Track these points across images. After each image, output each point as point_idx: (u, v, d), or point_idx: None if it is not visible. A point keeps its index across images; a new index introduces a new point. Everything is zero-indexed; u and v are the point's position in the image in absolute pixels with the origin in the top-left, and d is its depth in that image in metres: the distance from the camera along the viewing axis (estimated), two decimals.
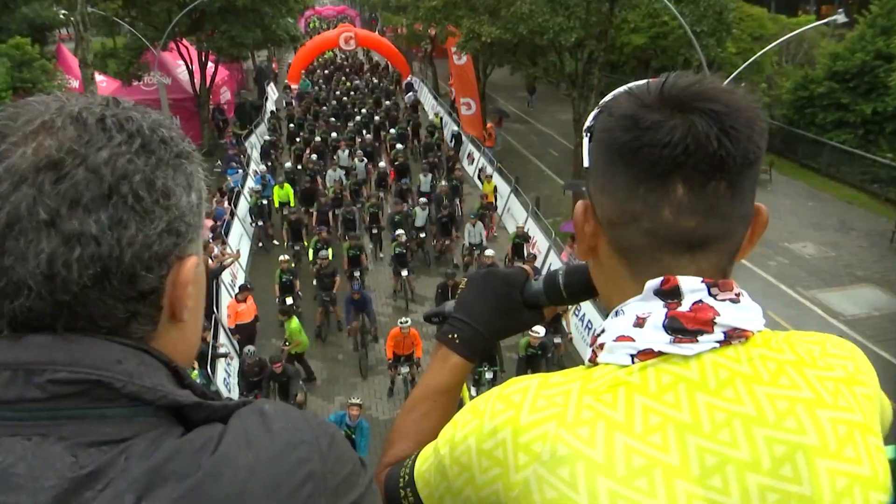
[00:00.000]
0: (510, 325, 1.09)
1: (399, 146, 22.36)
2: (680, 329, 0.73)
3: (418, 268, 15.94)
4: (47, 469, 0.56)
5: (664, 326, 0.74)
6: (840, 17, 12.18)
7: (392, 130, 24.46)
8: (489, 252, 13.73)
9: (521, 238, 15.21)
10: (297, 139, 23.92)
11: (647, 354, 0.74)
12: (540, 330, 10.11)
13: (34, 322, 0.62)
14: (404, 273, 14.59)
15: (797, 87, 24.51)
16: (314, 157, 21.27)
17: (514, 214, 18.14)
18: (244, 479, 0.59)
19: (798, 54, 26.97)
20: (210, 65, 26.43)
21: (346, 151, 21.75)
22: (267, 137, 24.58)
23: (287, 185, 18.59)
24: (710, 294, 0.74)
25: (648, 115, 0.73)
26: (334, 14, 61.82)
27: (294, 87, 33.78)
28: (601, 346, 0.79)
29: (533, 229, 16.63)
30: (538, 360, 11.17)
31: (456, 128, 26.00)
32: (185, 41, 25.52)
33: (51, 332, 0.62)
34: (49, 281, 0.60)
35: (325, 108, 29.29)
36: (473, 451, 0.79)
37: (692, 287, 0.74)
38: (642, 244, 0.77)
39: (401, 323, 11.19)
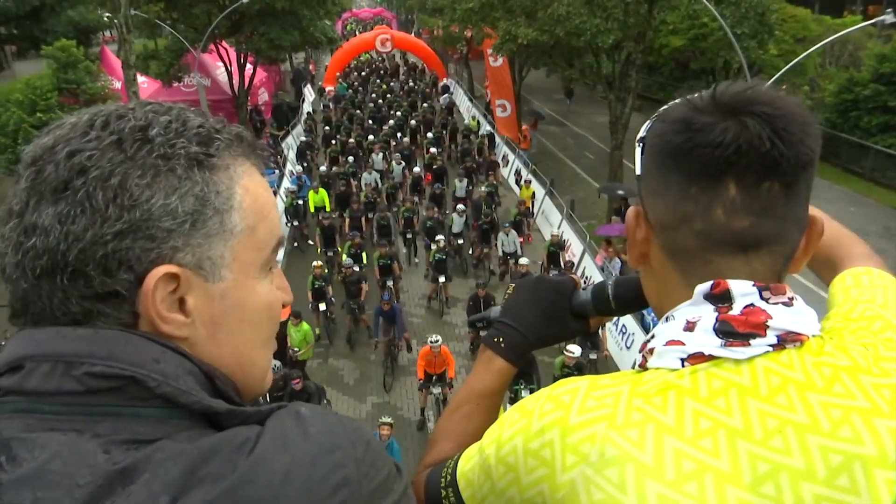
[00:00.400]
0: (557, 333, 1.09)
1: (434, 150, 22.10)
2: (731, 333, 0.72)
3: (454, 274, 15.58)
4: (82, 466, 0.57)
5: (715, 330, 0.73)
6: (888, 18, 11.83)
7: (429, 134, 24.06)
8: (524, 260, 13.39)
9: (556, 246, 14.75)
10: (333, 142, 23.83)
11: (697, 358, 0.73)
12: (575, 350, 10.14)
13: (18, 310, 0.65)
14: (442, 279, 14.29)
15: (841, 90, 23.95)
16: (350, 158, 21.24)
17: (549, 217, 18.01)
18: (280, 482, 0.59)
19: (843, 56, 26.35)
20: (248, 66, 26.80)
21: (381, 155, 21.56)
22: (303, 138, 24.88)
23: (322, 190, 18.39)
24: (761, 298, 0.73)
25: (701, 118, 0.74)
26: (371, 16, 62.19)
27: (329, 89, 33.92)
28: (651, 351, 0.78)
29: (567, 232, 16.50)
30: (558, 257, 12.28)
31: (490, 129, 25.96)
32: (224, 43, 25.91)
33: (91, 326, 0.64)
34: (16, 267, 0.63)
35: (359, 111, 28.99)
36: (520, 450, 0.78)
37: (743, 291, 0.73)
38: (694, 246, 0.76)
39: (431, 342, 10.72)
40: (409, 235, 16.79)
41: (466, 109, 31.25)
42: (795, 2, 26.49)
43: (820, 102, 25.30)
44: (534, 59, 24.74)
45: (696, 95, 0.78)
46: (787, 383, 0.70)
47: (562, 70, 24.60)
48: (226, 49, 25.97)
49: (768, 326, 0.72)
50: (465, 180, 19.10)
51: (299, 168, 21.19)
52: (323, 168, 20.65)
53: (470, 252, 16.58)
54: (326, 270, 14.41)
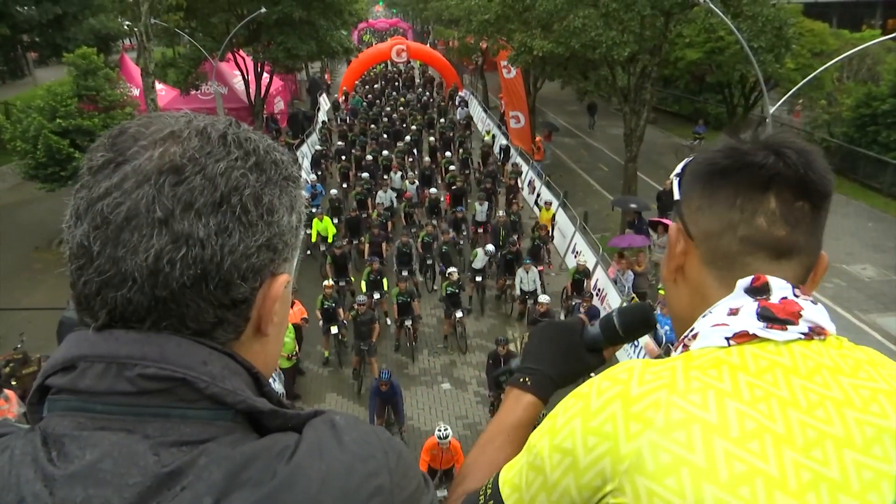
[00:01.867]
0: (575, 368, 1.17)
1: (453, 167, 21.20)
2: (771, 318, 0.81)
3: (475, 310, 14.76)
4: (132, 466, 0.59)
5: (757, 314, 0.82)
6: None
7: (448, 153, 23.09)
8: (543, 299, 12.19)
9: (582, 274, 13.91)
10: (344, 157, 22.99)
11: (741, 337, 0.81)
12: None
13: (130, 315, 0.65)
14: (458, 314, 13.24)
15: (859, 105, 23.77)
16: (365, 174, 20.21)
17: (563, 230, 17.96)
18: (317, 489, 0.62)
19: (861, 70, 26.16)
20: (265, 75, 27.03)
21: (399, 174, 20.64)
22: (318, 147, 24.96)
23: (326, 218, 16.85)
24: (794, 294, 0.84)
25: (747, 147, 0.89)
26: (387, 27, 62.58)
27: (342, 99, 33.99)
28: (695, 336, 0.86)
29: (580, 244, 16.44)
30: (582, 285, 11.91)
31: (505, 141, 25.95)
32: (241, 52, 26.17)
33: (141, 329, 0.66)
34: (153, 276, 0.63)
35: (374, 125, 28.00)
36: (578, 431, 0.80)
37: (780, 285, 0.84)
38: (736, 251, 0.88)
39: (439, 436, 9.12)
40: (428, 261, 15.75)
41: (481, 120, 30.97)
42: (813, 16, 26.38)
43: (837, 117, 25.11)
44: (549, 71, 24.75)
45: (737, 136, 0.93)
46: (820, 367, 0.79)
47: (577, 82, 24.60)
48: (243, 58, 26.22)
49: (801, 316, 0.82)
50: (486, 203, 18.10)
51: (313, 177, 21.16)
52: (334, 192, 19.11)
53: (495, 282, 15.47)
54: (338, 293, 13.71)
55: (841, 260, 17.63)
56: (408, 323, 12.95)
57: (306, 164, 23.86)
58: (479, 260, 14.84)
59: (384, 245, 15.84)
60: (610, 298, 13.87)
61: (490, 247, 15.04)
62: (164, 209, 0.63)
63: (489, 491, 0.93)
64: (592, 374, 0.92)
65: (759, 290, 0.84)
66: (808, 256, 0.88)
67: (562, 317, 13.10)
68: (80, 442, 0.61)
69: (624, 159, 20.66)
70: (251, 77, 26.47)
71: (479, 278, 14.82)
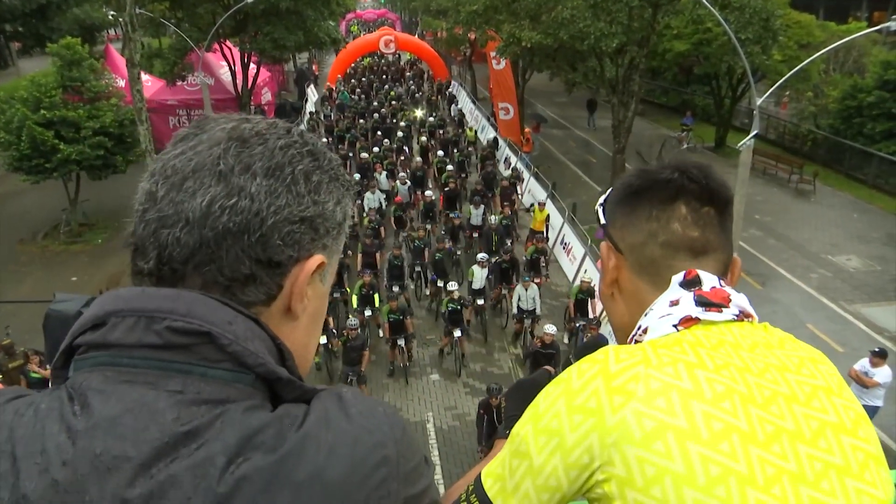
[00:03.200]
0: None
1: (450, 168, 19.97)
2: (708, 303, 0.93)
3: (474, 333, 13.70)
4: (151, 423, 0.63)
5: (695, 301, 0.93)
6: (893, 24, 11.81)
7: (440, 153, 21.69)
8: (550, 329, 11.05)
9: (586, 294, 12.72)
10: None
11: (686, 322, 0.92)
12: (550, 328, 10.89)
13: (176, 257, 0.71)
14: (457, 333, 12.38)
15: (845, 97, 23.93)
16: (357, 176, 19.01)
17: (551, 221, 18.02)
18: (325, 458, 0.65)
19: (847, 62, 26.32)
20: (252, 66, 26.83)
21: (384, 173, 19.64)
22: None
23: None
24: (720, 283, 0.97)
25: (654, 169, 1.03)
26: (375, 17, 62.28)
27: (331, 87, 33.46)
28: (644, 332, 0.96)
29: (569, 235, 16.50)
30: (586, 305, 11.87)
31: (493, 133, 25.92)
32: (228, 42, 25.95)
33: (180, 274, 0.72)
34: (203, 217, 0.70)
35: (363, 120, 26.87)
36: (563, 411, 0.85)
37: (708, 277, 0.97)
38: (660, 255, 1.00)
39: None
40: (417, 268, 14.89)
41: (469, 112, 30.56)
42: (800, 7, 26.46)
43: (824, 109, 25.28)
44: (537, 62, 24.73)
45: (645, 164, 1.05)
46: (757, 343, 0.92)
47: (565, 73, 24.59)
48: (230, 48, 26.01)
49: (731, 300, 0.94)
50: (482, 207, 17.12)
51: None
52: None
53: (491, 292, 14.48)
54: (330, 317, 12.98)
55: (826, 251, 17.80)
56: (401, 343, 12.23)
57: None
58: (478, 279, 13.65)
59: (377, 255, 14.81)
60: (575, 251, 14.04)
61: (481, 255, 14.00)
62: (226, 165, 0.72)
63: (470, 488, 0.95)
64: None
65: (692, 283, 0.96)
66: (722, 253, 1.01)
67: (565, 340, 12.82)
68: (103, 396, 0.65)
69: (612, 151, 20.73)
70: (238, 68, 26.26)
71: (480, 301, 13.65)
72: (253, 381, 0.69)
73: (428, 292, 14.89)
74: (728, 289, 0.96)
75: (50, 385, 0.75)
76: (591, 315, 12.60)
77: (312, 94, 34.61)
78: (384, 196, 18.10)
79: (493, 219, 16.23)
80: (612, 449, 0.80)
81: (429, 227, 16.46)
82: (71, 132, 18.78)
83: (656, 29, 19.52)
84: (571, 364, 1.18)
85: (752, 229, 18.66)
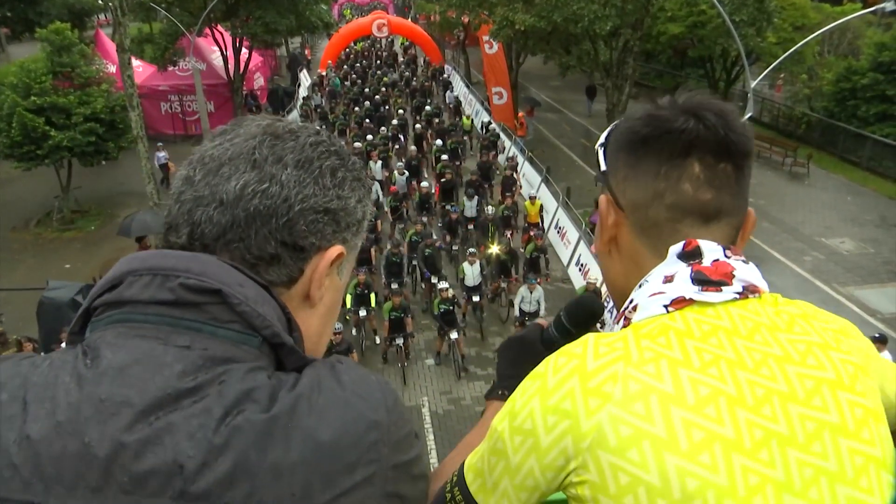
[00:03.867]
0: None
1: (444, 157, 19.16)
2: (705, 280, 0.83)
3: (470, 331, 13.08)
4: (157, 374, 0.66)
5: (692, 278, 0.84)
6: (888, 6, 11.78)
7: (438, 142, 20.74)
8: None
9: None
10: None
11: (679, 303, 0.83)
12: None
13: (208, 234, 0.76)
14: (453, 335, 11.75)
15: (839, 79, 23.92)
16: None
17: (545, 205, 18.02)
18: (316, 418, 0.67)
19: (841, 44, 26.28)
20: (244, 51, 26.63)
21: (379, 163, 18.92)
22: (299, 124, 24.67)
23: None
24: (725, 255, 0.86)
25: (665, 113, 0.88)
26: (367, 1, 61.78)
27: (322, 73, 32.76)
28: (634, 309, 0.87)
29: (563, 220, 16.50)
30: None
31: (487, 117, 25.83)
32: (219, 27, 25.73)
33: (269, 267, 0.78)
34: (237, 199, 0.76)
35: (357, 107, 25.86)
36: (538, 411, 0.80)
37: (711, 248, 0.86)
38: (665, 218, 0.88)
39: None
40: (413, 262, 14.17)
41: (464, 97, 30.04)
42: None
43: (818, 91, 25.26)
44: (531, 45, 24.62)
45: (654, 101, 0.92)
46: (759, 326, 0.82)
47: (559, 57, 24.49)
48: (221, 33, 25.80)
49: (734, 276, 0.84)
50: (476, 198, 16.44)
51: None
52: None
53: (488, 285, 13.75)
54: None
55: (820, 233, 17.86)
56: (399, 342, 11.75)
57: None
58: (470, 277, 12.97)
59: (373, 251, 14.21)
60: (592, 274, 13.80)
61: (471, 250, 13.39)
62: (261, 155, 0.78)
63: (455, 479, 0.93)
64: None
65: (690, 255, 0.85)
66: (735, 217, 0.89)
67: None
68: (114, 348, 0.68)
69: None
70: (230, 53, 26.07)
71: (475, 297, 13.00)
72: (259, 345, 0.73)
73: (437, 347, 13.41)
74: (733, 260, 0.85)
75: None
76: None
77: (305, 78, 34.40)
78: (378, 186, 17.53)
79: (489, 209, 15.41)
80: (587, 453, 0.75)
81: (425, 219, 15.83)
82: (62, 118, 18.65)
83: (650, 11, 19.44)
84: (562, 320, 1.18)
85: None
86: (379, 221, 15.66)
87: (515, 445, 0.82)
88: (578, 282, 14.52)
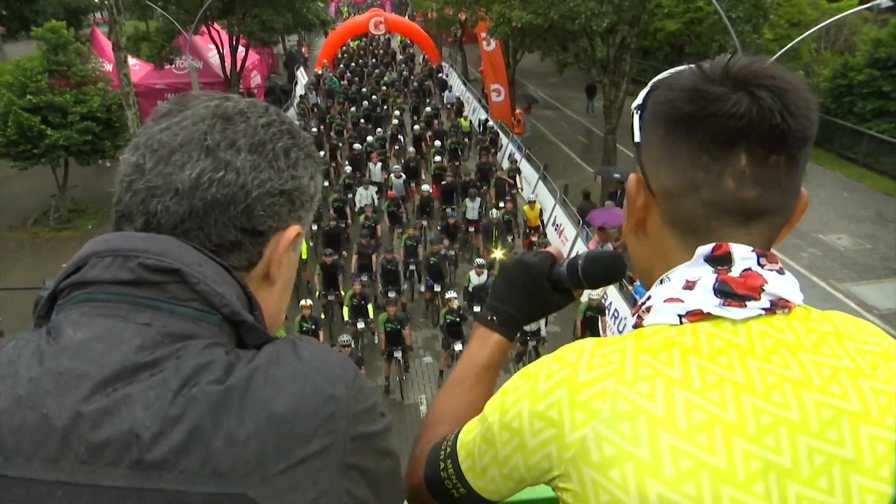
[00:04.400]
0: (541, 309, 1.15)
1: (437, 159, 18.73)
2: (730, 293, 0.75)
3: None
4: (116, 348, 0.67)
5: (714, 289, 0.75)
6: (884, 2, 11.79)
7: (437, 143, 20.07)
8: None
9: (596, 311, 11.46)
10: (322, 153, 19.95)
11: (695, 315, 0.75)
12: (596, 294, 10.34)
13: (165, 223, 0.76)
14: (458, 347, 11.03)
15: (836, 75, 23.95)
16: (348, 168, 17.92)
17: (543, 203, 18.02)
18: (273, 390, 0.68)
19: (838, 41, 26.31)
20: (241, 49, 26.58)
21: (378, 165, 18.44)
22: (296, 121, 24.55)
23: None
24: (758, 263, 0.77)
25: (714, 88, 0.75)
26: None
27: (318, 73, 32.18)
28: (648, 309, 0.80)
29: (560, 217, 16.50)
30: (595, 323, 11.22)
31: (485, 115, 25.81)
32: (216, 25, 25.69)
33: (229, 253, 0.78)
34: (193, 189, 0.75)
35: (353, 108, 25.12)
36: (525, 413, 0.78)
37: (743, 255, 0.76)
38: (699, 214, 0.78)
39: None
40: (411, 267, 13.76)
41: (462, 95, 29.62)
42: None
43: (814, 87, 25.26)
44: (528, 42, 24.59)
45: (704, 64, 0.79)
46: (779, 344, 0.74)
47: (556, 54, 24.46)
48: (217, 31, 25.76)
49: (763, 290, 0.75)
50: (478, 199, 15.91)
51: None
52: None
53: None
54: (323, 315, 12.48)
55: (816, 230, 17.88)
56: (398, 355, 11.19)
57: None
58: (475, 283, 12.36)
59: (374, 257, 13.59)
60: (568, 232, 13.75)
61: (479, 260, 12.65)
62: (213, 140, 0.76)
63: (448, 449, 0.92)
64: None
65: (719, 260, 0.77)
66: (781, 215, 0.79)
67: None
68: (76, 326, 0.69)
69: (604, 131, 20.69)
70: (226, 51, 26.03)
71: (477, 308, 12.06)
72: (219, 322, 0.74)
73: (425, 297, 13.76)
74: (767, 270, 0.77)
75: None
76: (600, 332, 11.33)
77: (302, 76, 34.33)
78: (376, 189, 16.85)
79: (493, 213, 14.95)
80: (570, 464, 0.73)
81: (425, 223, 15.62)
82: (58, 117, 18.61)
83: (647, 8, 19.42)
84: (577, 262, 1.09)
85: None
86: (379, 227, 15.22)
87: (503, 440, 0.81)
88: (555, 242, 14.63)
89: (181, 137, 0.77)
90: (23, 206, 20.27)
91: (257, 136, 0.79)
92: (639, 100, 0.85)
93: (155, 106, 0.87)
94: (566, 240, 15.81)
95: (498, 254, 12.74)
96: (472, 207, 15.78)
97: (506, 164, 20.16)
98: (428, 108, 24.69)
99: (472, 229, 15.47)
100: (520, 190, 18.41)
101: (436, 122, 23.32)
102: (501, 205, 15.99)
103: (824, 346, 0.75)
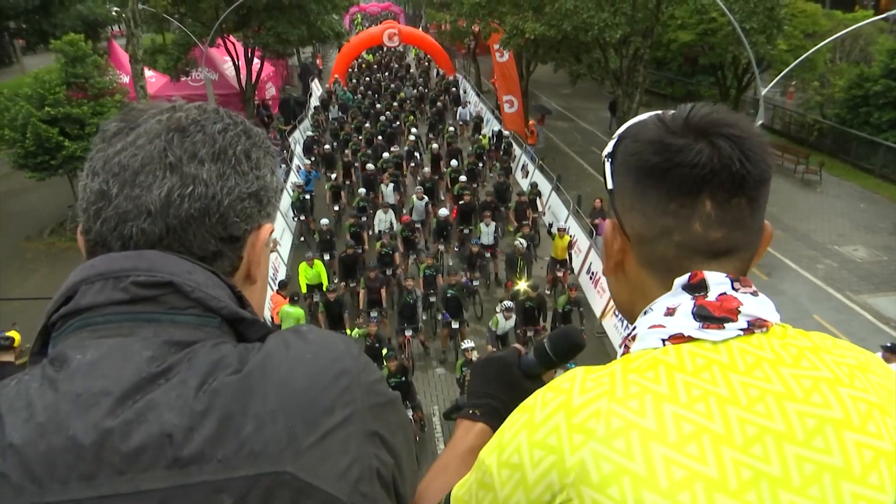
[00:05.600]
0: (517, 397, 1.15)
1: (463, 178, 17.33)
2: (708, 316, 0.80)
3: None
4: (128, 362, 0.68)
5: (693, 314, 0.80)
6: None
7: (453, 162, 19.13)
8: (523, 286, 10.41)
9: (573, 304, 11.67)
10: (333, 174, 19.64)
11: (677, 339, 0.80)
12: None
13: (143, 245, 0.76)
14: None
15: (851, 86, 23.78)
16: (362, 190, 17.09)
17: (556, 213, 17.97)
18: (288, 369, 0.71)
19: (853, 51, 26.14)
20: (256, 61, 26.81)
21: (391, 186, 17.30)
22: (310, 133, 24.73)
23: (318, 263, 13.36)
24: (733, 287, 0.82)
25: (676, 140, 0.82)
26: (379, 11, 62.13)
27: (330, 90, 31.76)
28: (633, 338, 0.85)
29: (574, 228, 16.45)
30: (571, 317, 11.25)
31: (498, 126, 25.85)
32: (231, 37, 25.94)
33: (213, 263, 0.80)
34: (165, 208, 0.75)
35: (369, 124, 24.24)
36: (524, 445, 0.79)
37: (718, 280, 0.82)
38: (673, 255, 0.85)
39: None
40: (431, 299, 12.63)
41: (481, 111, 29.14)
42: None
43: (830, 98, 25.11)
44: (541, 53, 24.65)
45: (666, 115, 0.87)
46: (760, 361, 0.77)
47: (569, 65, 24.49)
48: (233, 43, 26.01)
49: (740, 312, 0.80)
50: (493, 224, 14.98)
51: (307, 162, 20.85)
52: (325, 222, 15.16)
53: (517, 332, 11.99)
54: None
55: (832, 241, 17.71)
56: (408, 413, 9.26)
57: (299, 150, 23.73)
58: (502, 327, 11.52)
59: (384, 291, 12.60)
60: (604, 282, 13.53)
61: (507, 303, 11.51)
62: (175, 156, 0.76)
63: None
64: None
65: (696, 287, 0.82)
66: (748, 250, 0.86)
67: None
68: (81, 349, 0.69)
69: None
70: (242, 63, 26.27)
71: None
72: (220, 324, 0.75)
73: (442, 333, 12.46)
74: (741, 293, 0.82)
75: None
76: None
77: (316, 88, 34.55)
78: (393, 214, 15.89)
79: (518, 241, 13.46)
80: (571, 489, 0.75)
81: (442, 247, 14.76)
82: (75, 129, 18.80)
83: (660, 19, 19.43)
84: (544, 346, 1.18)
85: None
86: (397, 255, 13.98)
87: (503, 479, 0.81)
88: (590, 293, 14.47)
89: (141, 157, 0.76)
90: (40, 217, 20.48)
91: (217, 144, 0.79)
92: (608, 149, 0.92)
93: None
94: (579, 251, 15.74)
95: (522, 285, 12.11)
96: (487, 232, 14.91)
97: (525, 186, 19.15)
98: (451, 128, 23.47)
99: (487, 255, 14.40)
100: (542, 213, 17.63)
101: (455, 143, 21.89)
102: (518, 228, 15.09)
103: (803, 359, 0.78)
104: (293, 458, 0.66)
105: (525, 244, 13.45)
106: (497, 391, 1.17)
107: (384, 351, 10.53)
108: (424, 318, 12.69)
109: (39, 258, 17.98)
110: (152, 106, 0.83)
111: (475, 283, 13.65)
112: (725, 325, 0.79)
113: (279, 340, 0.75)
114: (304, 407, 0.69)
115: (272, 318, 12.09)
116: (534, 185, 18.00)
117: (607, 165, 0.92)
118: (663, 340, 0.81)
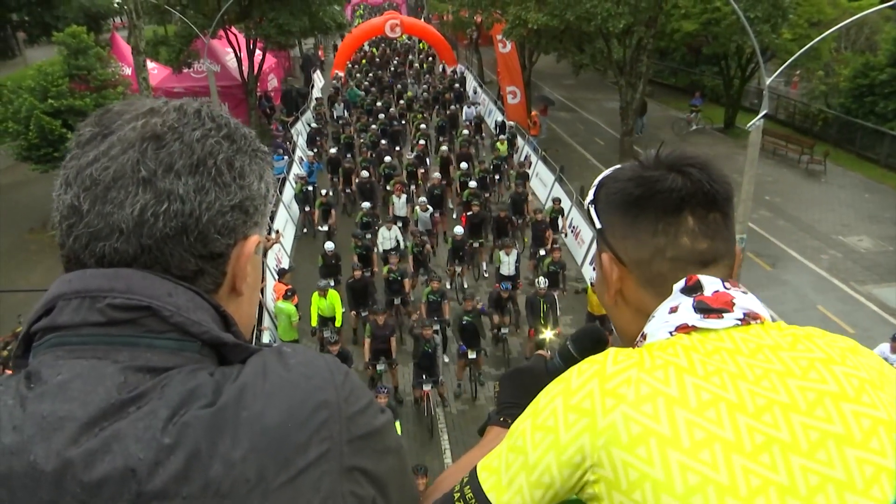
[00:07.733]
0: None
1: (473, 184, 16.07)
2: (707, 309, 0.90)
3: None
4: (99, 386, 0.65)
5: (694, 308, 0.90)
6: None
7: (463, 165, 17.59)
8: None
9: (557, 266, 11.96)
10: (335, 179, 18.45)
11: (683, 329, 0.90)
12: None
13: (117, 263, 0.72)
14: None
15: (857, 75, 23.66)
16: (366, 204, 15.23)
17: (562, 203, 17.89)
18: (263, 403, 0.67)
19: (858, 40, 25.99)
20: (258, 52, 26.75)
21: (403, 197, 15.81)
22: (313, 125, 24.68)
23: (333, 293, 11.76)
24: (724, 286, 0.93)
25: (653, 173, 0.97)
26: (381, 1, 61.88)
27: (336, 85, 30.52)
28: (644, 338, 0.95)
29: (577, 219, 16.44)
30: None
31: (501, 117, 25.76)
32: (233, 29, 25.87)
33: (193, 282, 0.75)
34: (138, 227, 0.71)
35: (374, 125, 22.10)
36: (560, 408, 0.86)
37: (710, 281, 0.93)
38: (668, 270, 0.96)
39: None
40: (436, 327, 10.95)
41: (480, 99, 28.85)
42: None
43: (835, 88, 25.00)
44: (544, 44, 24.54)
45: (640, 157, 1.02)
46: (761, 346, 0.87)
47: (572, 55, 24.39)
48: (235, 35, 25.94)
49: (735, 304, 0.91)
50: (514, 252, 13.16)
51: (310, 154, 20.77)
52: (330, 245, 13.53)
53: None
54: None
55: (837, 231, 17.67)
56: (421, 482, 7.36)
57: (301, 141, 23.68)
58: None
59: (393, 341, 10.88)
60: (585, 234, 13.71)
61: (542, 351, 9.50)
62: (148, 170, 0.71)
63: (464, 480, 0.95)
64: None
65: (692, 289, 0.92)
66: (729, 259, 0.98)
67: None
68: (54, 369, 0.67)
69: (620, 133, 20.59)
70: (244, 54, 26.20)
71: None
72: (200, 349, 0.72)
73: (459, 365, 11.30)
74: (734, 291, 0.92)
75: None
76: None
77: (318, 79, 34.47)
78: (400, 226, 14.38)
79: (540, 281, 11.60)
80: (602, 451, 0.81)
81: (459, 268, 13.48)
82: (79, 121, 18.43)
83: (664, 9, 19.34)
84: (568, 348, 1.26)
85: (761, 210, 18.54)
86: (406, 281, 12.43)
87: (535, 442, 0.87)
88: (573, 246, 14.51)
89: (113, 170, 0.71)
90: (43, 209, 20.49)
91: (195, 155, 0.73)
92: (590, 196, 1.06)
93: None
94: (583, 241, 15.74)
95: (548, 334, 10.83)
96: (507, 262, 13.02)
97: (547, 204, 17.08)
98: (465, 131, 21.66)
99: (509, 288, 12.38)
100: (563, 235, 15.80)
101: (467, 147, 20.14)
102: (542, 252, 13.63)
103: (799, 344, 0.88)
104: (261, 498, 0.64)
105: (545, 284, 11.56)
106: (526, 400, 1.17)
107: (397, 423, 8.22)
108: (438, 339, 10.98)
109: (43, 250, 18.02)
110: (129, 108, 0.77)
111: (505, 330, 12.03)
112: (724, 314, 0.89)
113: (257, 367, 0.71)
114: (276, 445, 0.66)
115: (272, 313, 12.11)
116: (556, 201, 15.82)
117: (592, 210, 1.05)
118: (670, 332, 0.90)
